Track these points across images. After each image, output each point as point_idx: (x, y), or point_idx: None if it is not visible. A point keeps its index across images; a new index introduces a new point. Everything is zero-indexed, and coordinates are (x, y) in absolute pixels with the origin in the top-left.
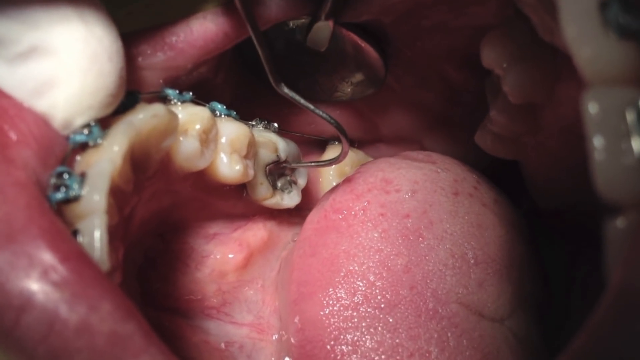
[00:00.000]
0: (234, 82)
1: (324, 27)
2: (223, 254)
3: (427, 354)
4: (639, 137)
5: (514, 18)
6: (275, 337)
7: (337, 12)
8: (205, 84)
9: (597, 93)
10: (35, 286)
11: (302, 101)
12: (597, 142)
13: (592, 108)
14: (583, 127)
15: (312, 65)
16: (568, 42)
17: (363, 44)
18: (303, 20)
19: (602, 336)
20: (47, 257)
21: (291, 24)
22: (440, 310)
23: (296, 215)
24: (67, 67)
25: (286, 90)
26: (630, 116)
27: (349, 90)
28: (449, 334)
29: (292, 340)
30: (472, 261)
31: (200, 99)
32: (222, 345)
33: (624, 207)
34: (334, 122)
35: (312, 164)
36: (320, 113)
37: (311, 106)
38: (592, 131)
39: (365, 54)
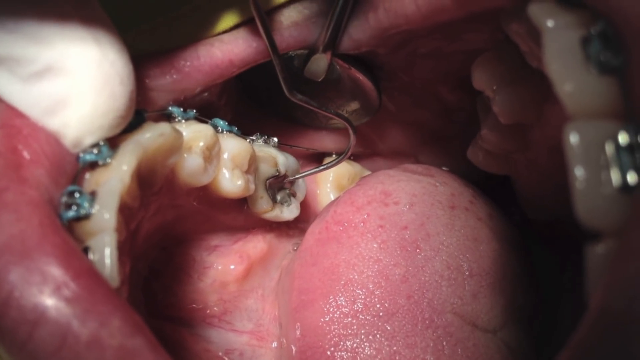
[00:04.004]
0: (235, 104)
1: (321, 59)
2: (224, 265)
3: None
4: (617, 169)
5: (503, 42)
6: (274, 344)
7: (335, 44)
8: (209, 105)
9: (579, 126)
10: (48, 302)
11: (314, 104)
12: (578, 172)
13: (573, 140)
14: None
15: (309, 94)
16: (551, 76)
17: (359, 75)
18: (301, 50)
19: (583, 356)
20: (59, 273)
21: (291, 53)
22: (435, 320)
23: (294, 227)
24: (81, 87)
25: (299, 96)
26: (609, 148)
27: None
28: (444, 343)
29: (293, 347)
30: (467, 273)
31: (203, 116)
32: (222, 354)
33: (603, 234)
34: (343, 117)
35: (321, 168)
36: (331, 111)
37: (322, 108)
38: (573, 162)
39: (361, 84)
